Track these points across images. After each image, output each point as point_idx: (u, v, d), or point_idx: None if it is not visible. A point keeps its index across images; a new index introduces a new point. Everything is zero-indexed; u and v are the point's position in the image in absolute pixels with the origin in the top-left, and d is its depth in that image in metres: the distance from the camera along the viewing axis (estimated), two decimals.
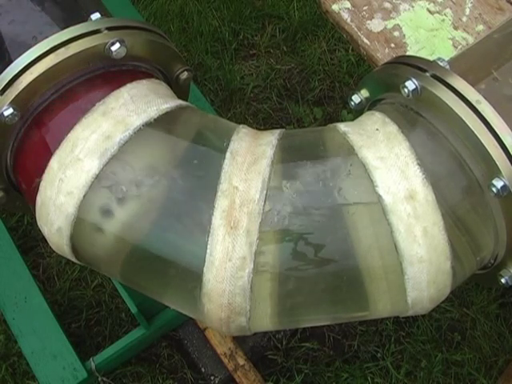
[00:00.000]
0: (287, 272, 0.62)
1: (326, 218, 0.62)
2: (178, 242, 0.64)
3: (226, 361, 1.31)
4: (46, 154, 0.66)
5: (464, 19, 0.91)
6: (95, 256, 0.69)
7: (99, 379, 1.27)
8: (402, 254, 0.61)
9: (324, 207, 0.62)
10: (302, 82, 1.71)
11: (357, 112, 0.74)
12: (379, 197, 0.61)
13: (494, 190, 0.60)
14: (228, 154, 0.64)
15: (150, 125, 0.65)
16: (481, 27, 0.90)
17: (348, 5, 0.94)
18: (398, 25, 0.92)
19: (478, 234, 0.65)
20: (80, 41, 0.67)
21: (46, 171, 0.65)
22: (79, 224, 0.66)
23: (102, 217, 0.64)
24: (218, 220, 0.61)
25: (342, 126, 0.67)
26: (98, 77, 0.69)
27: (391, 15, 0.93)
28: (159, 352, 1.40)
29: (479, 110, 0.61)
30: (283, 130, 0.69)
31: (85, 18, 0.69)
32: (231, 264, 0.60)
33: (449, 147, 0.63)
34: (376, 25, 0.92)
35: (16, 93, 0.66)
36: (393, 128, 0.64)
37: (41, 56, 0.66)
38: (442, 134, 0.63)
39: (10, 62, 0.66)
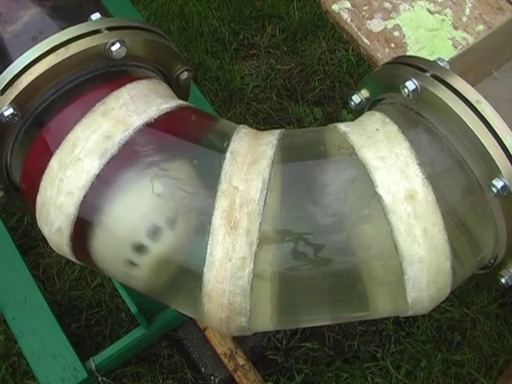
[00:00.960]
0: (287, 272, 0.62)
1: (326, 218, 0.62)
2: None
3: (225, 361, 1.31)
4: (47, 154, 0.66)
5: (464, 19, 0.91)
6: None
7: (99, 379, 1.27)
8: (402, 254, 0.61)
9: (323, 207, 0.62)
10: (301, 82, 1.71)
11: (357, 112, 0.74)
12: (379, 197, 0.61)
13: (493, 190, 0.60)
14: (228, 154, 0.64)
15: (150, 125, 0.65)
16: (481, 27, 0.90)
17: (348, 5, 0.94)
18: (398, 25, 0.92)
19: (478, 233, 0.65)
20: (80, 41, 0.67)
21: (46, 171, 0.65)
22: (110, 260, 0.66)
23: (135, 253, 0.64)
24: (218, 220, 0.61)
25: (342, 126, 0.67)
26: (98, 77, 0.69)
27: (391, 15, 0.93)
28: (159, 352, 1.40)
29: (479, 110, 0.61)
30: (283, 130, 0.68)
31: (85, 18, 0.69)
32: (231, 264, 0.60)
33: (449, 147, 0.63)
34: (376, 25, 0.92)
35: (16, 93, 0.66)
36: (393, 128, 0.64)
37: (41, 56, 0.66)
38: (442, 134, 0.63)
39: (10, 62, 0.66)
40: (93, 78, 0.68)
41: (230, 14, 1.78)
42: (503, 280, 0.68)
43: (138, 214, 0.63)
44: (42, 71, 0.66)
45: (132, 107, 0.65)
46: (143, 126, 0.65)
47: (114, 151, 0.63)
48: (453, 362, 1.38)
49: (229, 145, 0.65)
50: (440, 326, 1.41)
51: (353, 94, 0.74)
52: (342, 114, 1.65)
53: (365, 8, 0.93)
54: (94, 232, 0.65)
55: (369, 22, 0.92)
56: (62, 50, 0.66)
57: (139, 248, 0.64)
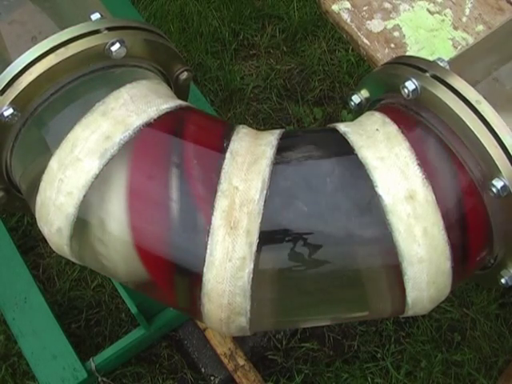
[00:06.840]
0: (287, 272, 0.62)
1: (326, 219, 0.62)
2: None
3: (225, 361, 1.31)
4: (46, 154, 0.66)
5: (464, 19, 0.91)
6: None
7: (99, 379, 1.27)
8: (401, 254, 0.61)
9: (323, 207, 0.62)
10: (302, 82, 1.71)
11: (356, 112, 0.74)
12: (379, 197, 0.61)
13: (493, 190, 0.60)
14: (228, 154, 0.64)
15: (149, 125, 0.65)
16: (481, 27, 0.90)
17: (348, 5, 0.94)
18: (397, 25, 0.92)
19: None
20: (80, 41, 0.67)
21: (46, 171, 0.65)
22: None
23: None
24: (217, 220, 0.61)
25: (342, 126, 0.67)
26: (98, 77, 0.69)
27: (391, 15, 0.93)
28: (159, 352, 1.40)
29: (479, 110, 0.61)
30: (283, 130, 0.68)
31: (84, 18, 0.69)
32: (231, 264, 0.60)
33: (448, 147, 0.63)
34: (376, 25, 0.92)
35: (16, 93, 0.66)
36: (393, 128, 0.64)
37: (41, 56, 0.66)
38: (442, 134, 0.63)
39: (10, 62, 0.66)
40: (92, 78, 0.68)
41: (230, 14, 1.78)
42: (503, 280, 0.68)
43: None
44: (42, 71, 0.66)
45: (132, 107, 0.65)
46: (143, 126, 0.65)
47: (114, 151, 0.63)
48: (453, 362, 1.38)
49: (228, 145, 0.65)
50: (440, 326, 1.41)
51: (352, 94, 0.74)
52: (342, 114, 1.65)
53: (365, 8, 0.93)
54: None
55: (369, 22, 0.92)
56: (61, 50, 0.66)
57: None
